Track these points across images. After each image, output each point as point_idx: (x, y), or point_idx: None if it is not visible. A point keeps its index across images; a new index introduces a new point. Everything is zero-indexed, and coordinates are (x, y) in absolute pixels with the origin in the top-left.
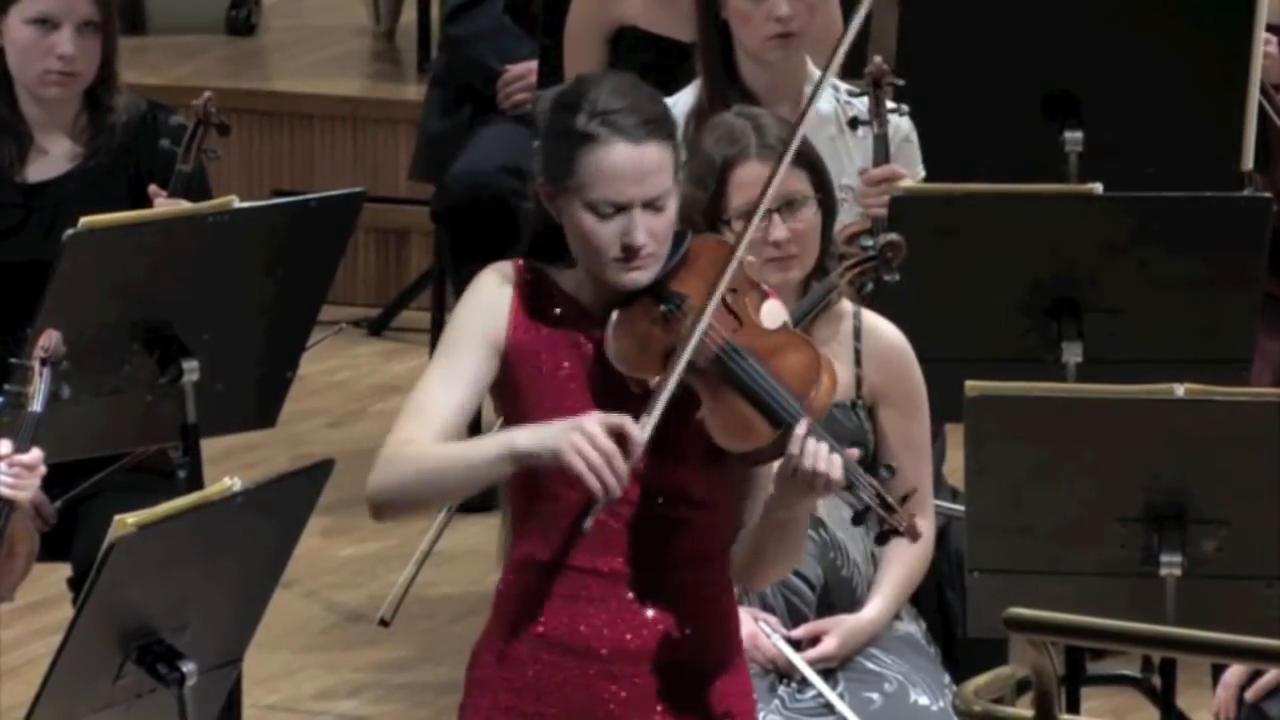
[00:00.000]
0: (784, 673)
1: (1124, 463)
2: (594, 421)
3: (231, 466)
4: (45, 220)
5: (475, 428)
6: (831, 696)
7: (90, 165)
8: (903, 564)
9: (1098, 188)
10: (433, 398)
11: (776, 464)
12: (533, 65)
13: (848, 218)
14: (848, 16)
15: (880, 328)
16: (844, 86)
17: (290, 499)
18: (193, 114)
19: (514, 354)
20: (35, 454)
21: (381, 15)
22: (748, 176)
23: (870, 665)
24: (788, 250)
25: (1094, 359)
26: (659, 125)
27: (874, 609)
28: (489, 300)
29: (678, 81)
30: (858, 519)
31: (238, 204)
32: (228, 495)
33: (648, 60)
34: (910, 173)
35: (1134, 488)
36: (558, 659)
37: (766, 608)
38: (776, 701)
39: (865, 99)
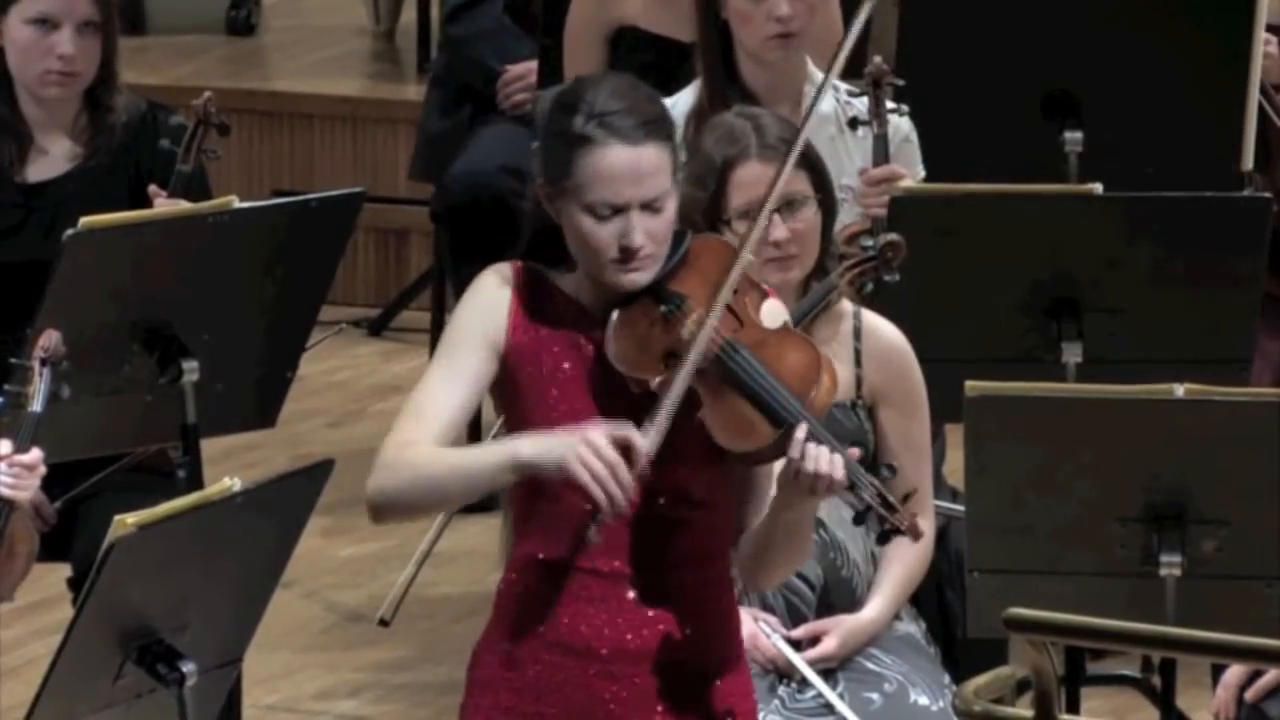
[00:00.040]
0: (784, 673)
1: (1124, 463)
2: (599, 433)
3: (231, 466)
4: (45, 220)
5: (475, 427)
6: (831, 697)
7: (90, 165)
8: (903, 564)
9: (1098, 188)
10: (432, 399)
11: (779, 464)
12: (532, 65)
13: (848, 218)
14: (848, 16)
15: (880, 328)
16: (844, 87)
17: (290, 499)
18: (193, 114)
19: (514, 355)
20: (35, 454)
21: (381, 15)
22: (748, 176)
23: (870, 665)
24: (788, 250)
25: (1094, 359)
26: (657, 126)
27: (874, 609)
28: (489, 301)
29: (678, 81)
30: (859, 519)
31: (238, 204)
32: (228, 495)
33: (648, 60)
34: (910, 173)
35: (1134, 488)
36: (558, 659)
37: (766, 608)
38: (776, 702)
39: (865, 99)
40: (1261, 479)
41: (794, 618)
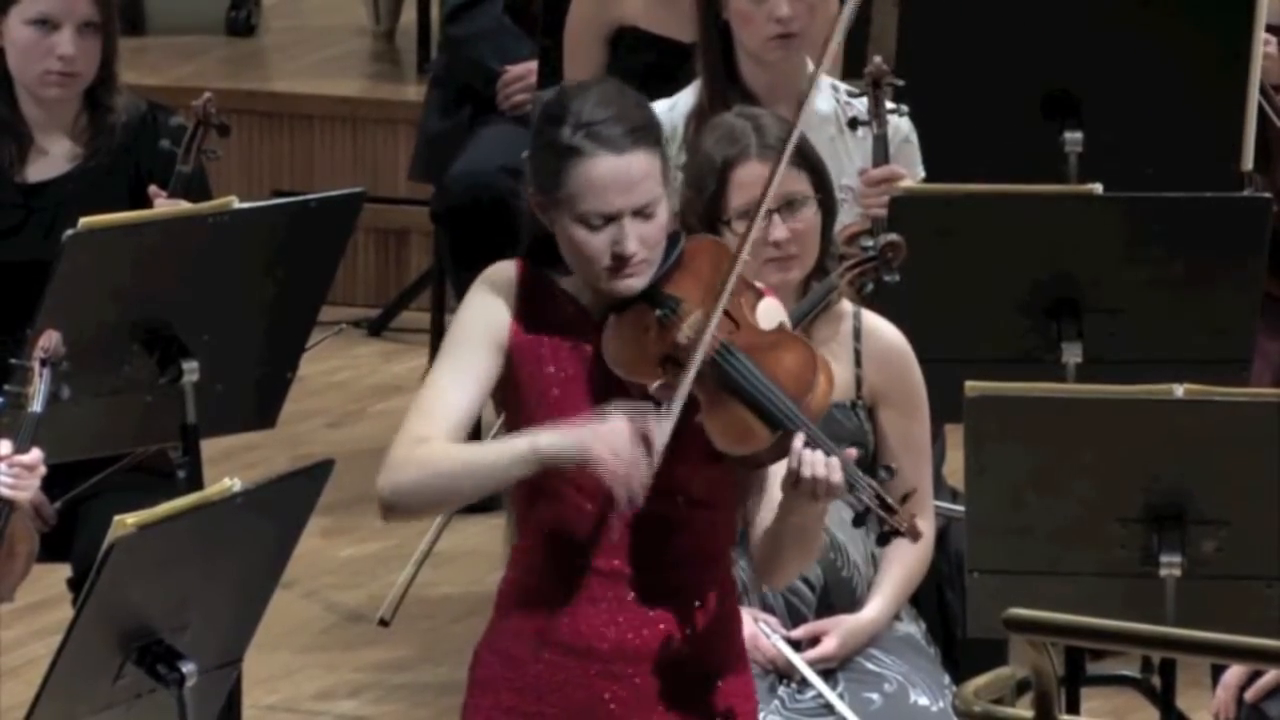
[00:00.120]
0: (784, 673)
1: (1124, 463)
2: (619, 424)
3: (231, 467)
4: (45, 220)
5: (475, 427)
6: (831, 697)
7: (90, 166)
8: (903, 565)
9: (1098, 188)
10: (441, 397)
11: (781, 464)
12: (532, 66)
13: (847, 218)
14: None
15: (880, 328)
16: (844, 87)
17: (290, 499)
18: (193, 114)
19: (515, 354)
20: (35, 454)
21: (381, 16)
22: (748, 177)
23: (870, 666)
24: (788, 250)
25: (1094, 359)
26: (644, 133)
27: (874, 609)
28: (491, 300)
29: (678, 82)
30: (858, 520)
31: (237, 204)
32: (228, 495)
33: (648, 60)
34: (910, 173)
35: (1134, 488)
36: (559, 658)
37: (766, 608)
38: (776, 702)
39: (865, 99)
40: (1261, 479)
41: (794, 618)
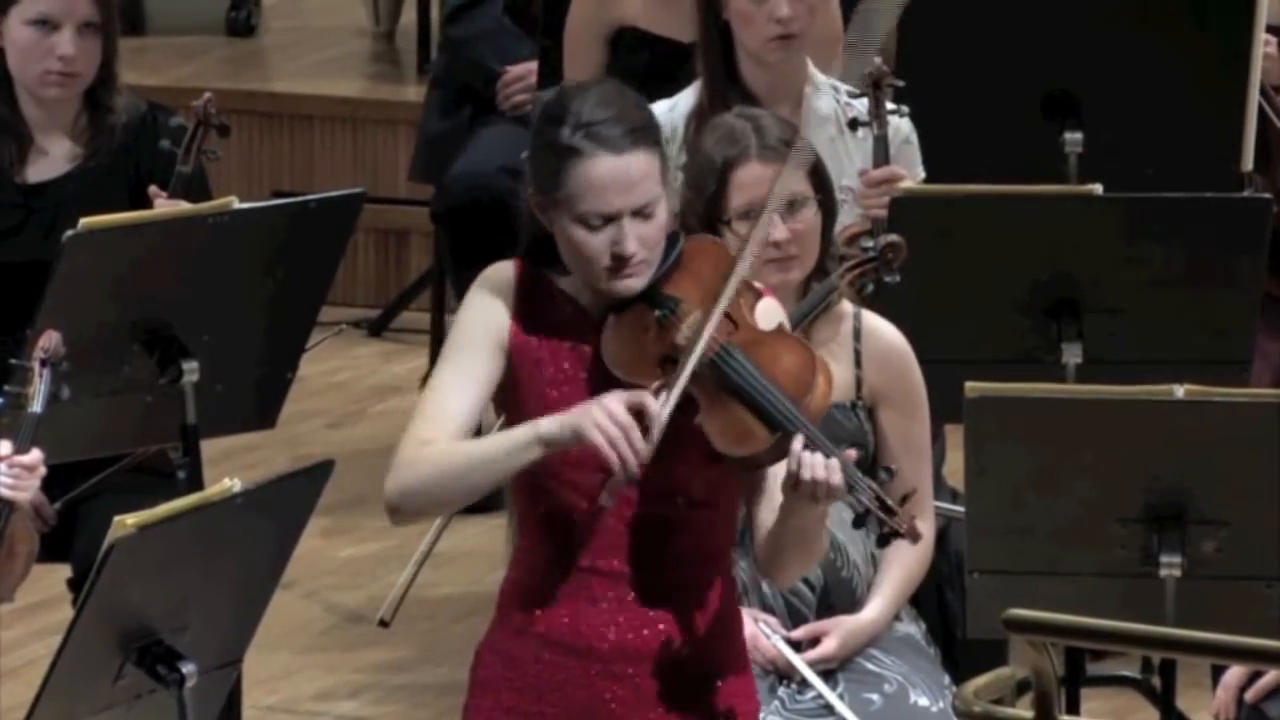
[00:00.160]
0: (784, 674)
1: (1124, 464)
2: (614, 398)
3: (231, 467)
4: (45, 221)
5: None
6: (831, 697)
7: (90, 166)
8: (902, 565)
9: (1097, 188)
10: (444, 400)
11: (783, 465)
12: (532, 66)
13: (848, 219)
14: (848, 18)
15: (880, 329)
16: (844, 88)
17: (290, 500)
18: (192, 115)
19: (515, 355)
20: (35, 455)
21: (381, 16)
22: (748, 177)
23: (870, 666)
24: (788, 251)
25: (1094, 360)
26: (643, 133)
27: (874, 610)
28: (490, 301)
29: (678, 82)
30: (858, 522)
31: (237, 205)
32: (228, 496)
33: (648, 61)
34: (910, 174)
35: (1134, 488)
36: (559, 658)
37: (766, 609)
38: (776, 703)
39: (865, 100)
40: (1261, 479)
41: (794, 619)
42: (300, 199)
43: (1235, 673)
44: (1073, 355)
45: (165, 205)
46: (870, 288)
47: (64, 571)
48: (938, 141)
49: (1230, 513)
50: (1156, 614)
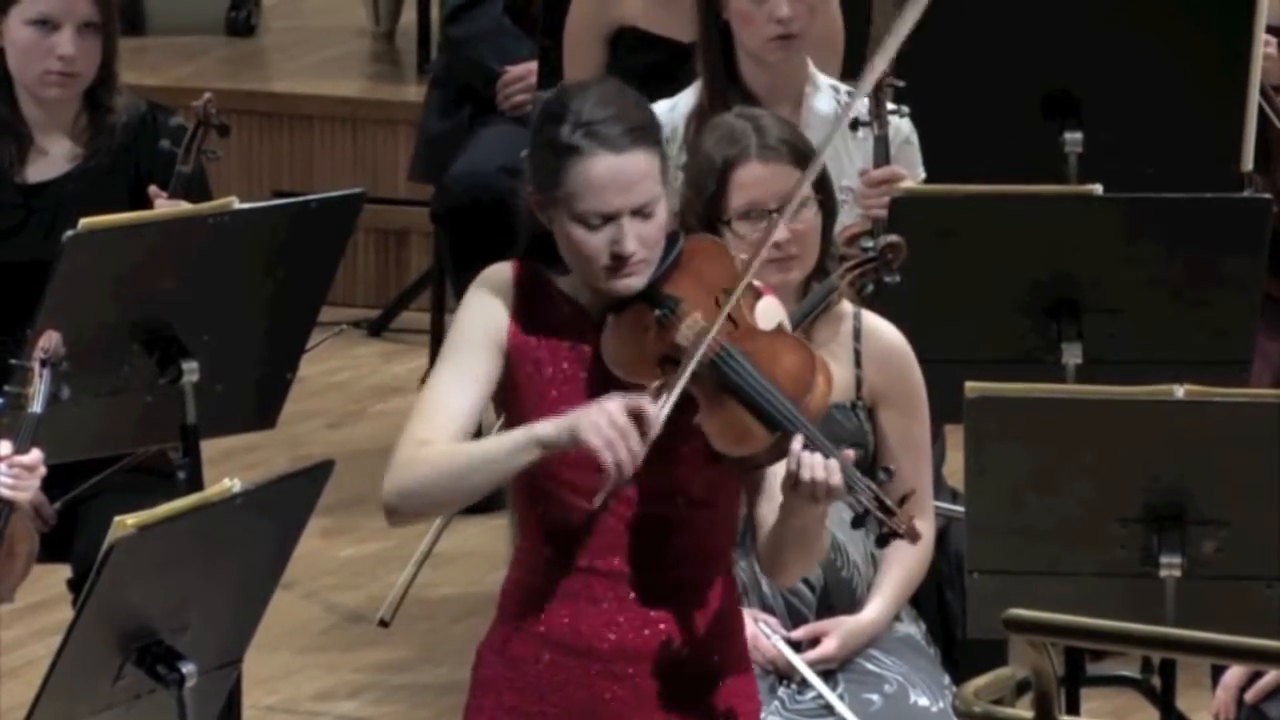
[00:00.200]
0: (784, 674)
1: (1124, 464)
2: (612, 401)
3: (231, 467)
4: (45, 221)
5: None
6: (831, 698)
7: (90, 166)
8: (902, 565)
9: (1097, 188)
10: (442, 400)
11: (783, 463)
12: (532, 66)
13: (848, 219)
14: (848, 17)
15: (880, 329)
16: (844, 88)
17: (290, 500)
18: (192, 115)
19: (514, 355)
20: (35, 455)
21: (381, 16)
22: (748, 177)
23: (870, 666)
24: (788, 251)
25: (1094, 360)
26: (644, 132)
27: (874, 610)
28: (489, 302)
29: (678, 82)
30: (857, 522)
31: (237, 205)
32: (227, 496)
33: (648, 60)
34: (911, 174)
35: (1134, 488)
36: (560, 658)
37: (766, 609)
38: (776, 703)
39: (865, 100)
40: (1261, 479)
41: (794, 619)
42: (300, 199)
43: (1235, 673)
44: (1073, 355)
45: (165, 205)
46: (870, 288)
47: (64, 571)
48: (938, 141)
49: (1230, 513)
50: (1156, 614)
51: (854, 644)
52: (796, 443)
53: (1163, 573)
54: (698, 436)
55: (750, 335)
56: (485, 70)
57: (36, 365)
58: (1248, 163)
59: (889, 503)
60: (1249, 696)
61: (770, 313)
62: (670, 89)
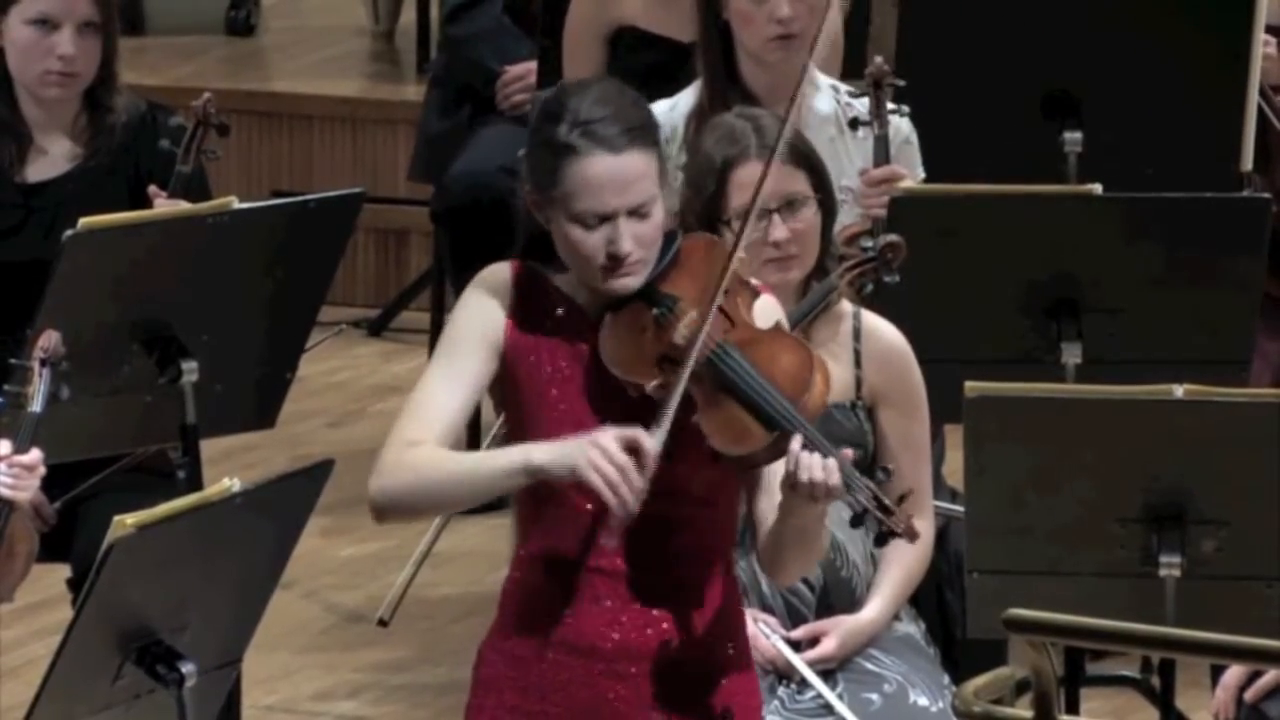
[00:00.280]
0: (783, 674)
1: (1123, 463)
2: (610, 437)
3: (231, 467)
4: (45, 220)
5: (475, 427)
6: (831, 697)
7: (90, 166)
8: (902, 565)
9: (1097, 188)
10: (433, 399)
11: (783, 461)
12: (532, 66)
13: (848, 219)
14: (849, 17)
15: (880, 329)
16: (844, 88)
17: (290, 499)
18: (192, 115)
19: (512, 354)
20: (35, 455)
21: (381, 16)
22: (748, 177)
23: (870, 666)
24: (787, 250)
25: (1093, 360)
26: (641, 132)
27: (873, 610)
28: (486, 302)
29: (678, 82)
30: (856, 521)
31: (237, 205)
32: (227, 496)
33: (648, 60)
34: (910, 174)
35: (1133, 488)
36: (562, 658)
37: (766, 608)
38: (776, 702)
39: (865, 100)
40: (1261, 479)
41: (794, 618)
42: (300, 199)
43: (1235, 673)
44: (1072, 355)
45: (165, 205)
46: (870, 287)
47: (64, 571)
48: (938, 141)
49: (1230, 513)
50: (1156, 614)
51: (853, 644)
52: (795, 442)
53: (1162, 573)
54: (698, 436)
55: (748, 334)
56: (485, 70)
57: (36, 365)
58: (1247, 163)
59: (887, 502)
60: (1248, 696)
61: (768, 312)
62: (670, 89)
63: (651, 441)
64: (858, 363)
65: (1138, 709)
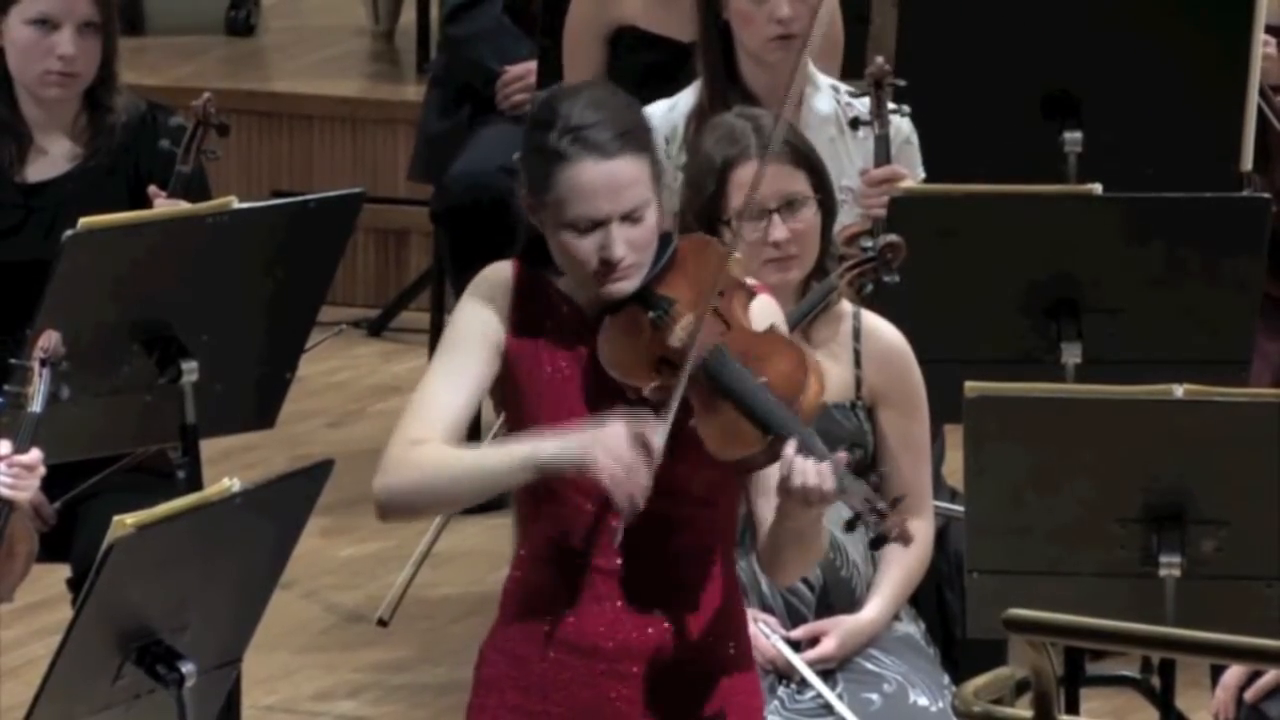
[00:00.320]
0: (783, 674)
1: (1123, 463)
2: (618, 432)
3: (231, 467)
4: (45, 220)
5: (475, 428)
6: (830, 697)
7: (90, 166)
8: (902, 565)
9: (1097, 188)
10: (435, 398)
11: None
12: (532, 66)
13: (848, 219)
14: (848, 17)
15: (880, 329)
16: (844, 88)
17: (289, 499)
18: (192, 115)
19: (512, 354)
20: (35, 455)
21: (381, 16)
22: (748, 177)
23: (869, 666)
24: (787, 251)
25: (1093, 359)
26: (633, 137)
27: (873, 610)
28: (487, 301)
29: (678, 82)
30: (850, 525)
31: (237, 205)
32: (227, 496)
33: (648, 60)
34: (911, 175)
35: (1133, 488)
36: (564, 657)
37: (766, 608)
38: (776, 702)
39: (866, 100)
40: (1261, 479)
41: (793, 618)
42: (300, 199)
43: (1234, 673)
44: (1072, 355)
45: (165, 205)
46: (870, 287)
47: (64, 571)
48: (938, 141)
49: (1230, 513)
50: (1156, 614)
51: (853, 644)
52: (789, 447)
53: (1162, 572)
54: (698, 437)
55: (742, 336)
56: (485, 70)
57: (36, 365)
58: (1247, 163)
59: (881, 506)
60: (1248, 696)
61: (765, 313)
62: (670, 89)
63: (658, 437)
64: (858, 363)
65: (1138, 709)
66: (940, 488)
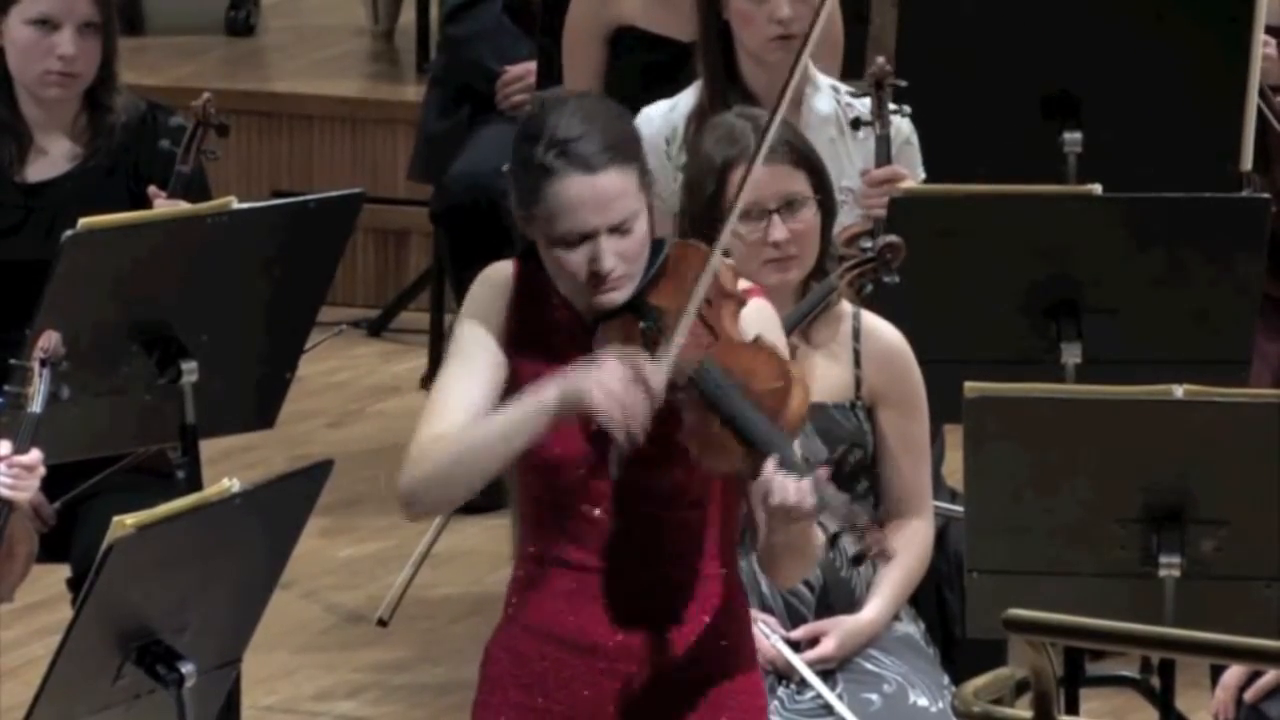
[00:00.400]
0: (783, 674)
1: (1123, 463)
2: (614, 366)
3: (230, 467)
4: (45, 220)
5: None
6: (830, 698)
7: (90, 166)
8: (901, 565)
9: (1097, 188)
10: (452, 395)
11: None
12: (532, 66)
13: (848, 219)
14: (848, 17)
15: (880, 329)
16: (844, 88)
17: (289, 500)
18: (192, 115)
19: (512, 354)
20: (34, 455)
21: (380, 15)
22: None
23: (869, 666)
24: (787, 251)
25: (1093, 360)
26: (619, 149)
27: (873, 610)
28: (490, 300)
29: (678, 82)
30: (830, 543)
31: (237, 205)
32: (226, 496)
33: (648, 60)
34: (911, 175)
35: (1133, 488)
36: (565, 655)
37: (765, 609)
38: (775, 703)
39: (866, 100)
40: (1261, 479)
41: (793, 619)
42: (299, 199)
43: (1234, 673)
44: (1072, 355)
45: (165, 205)
46: (869, 288)
47: (63, 571)
48: (938, 141)
49: (1230, 513)
50: (1156, 614)
51: (853, 644)
52: (769, 465)
53: (1162, 573)
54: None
55: (728, 348)
56: (484, 69)
57: (36, 365)
58: (1247, 163)
59: (861, 523)
60: (1248, 696)
61: (756, 319)
62: (670, 89)
63: (657, 375)
64: (857, 363)
65: (1138, 709)
66: (940, 488)
